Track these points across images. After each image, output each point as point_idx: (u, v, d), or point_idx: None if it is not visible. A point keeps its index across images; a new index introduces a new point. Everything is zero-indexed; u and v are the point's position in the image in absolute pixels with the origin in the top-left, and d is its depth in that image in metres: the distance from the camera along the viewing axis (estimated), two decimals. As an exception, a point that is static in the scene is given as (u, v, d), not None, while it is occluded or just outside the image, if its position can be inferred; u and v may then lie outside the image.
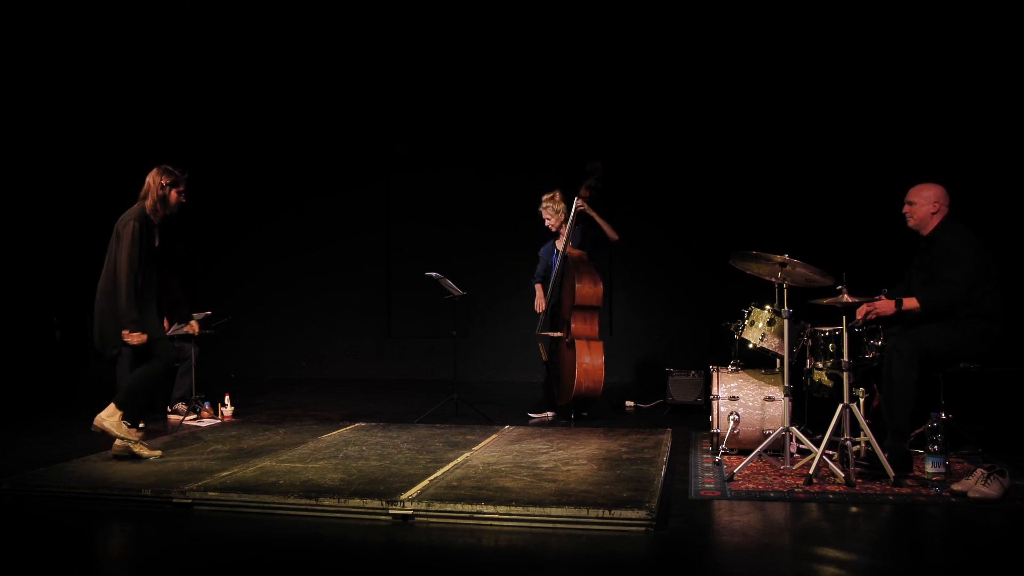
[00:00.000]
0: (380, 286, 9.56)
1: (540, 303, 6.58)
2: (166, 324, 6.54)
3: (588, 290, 6.13)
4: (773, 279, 4.53)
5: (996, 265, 4.49)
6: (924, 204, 4.57)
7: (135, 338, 4.61)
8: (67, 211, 8.77)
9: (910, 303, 4.43)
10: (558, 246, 6.43)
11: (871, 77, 7.78)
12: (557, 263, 6.36)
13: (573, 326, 6.17)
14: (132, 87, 9.00)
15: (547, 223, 6.41)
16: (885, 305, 4.43)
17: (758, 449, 4.45)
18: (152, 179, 4.76)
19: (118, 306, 4.62)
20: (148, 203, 4.74)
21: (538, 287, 6.63)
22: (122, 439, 4.66)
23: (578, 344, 6.09)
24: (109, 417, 4.66)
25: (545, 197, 6.38)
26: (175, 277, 5.09)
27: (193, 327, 5.32)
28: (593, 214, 6.24)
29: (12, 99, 8.27)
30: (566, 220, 6.29)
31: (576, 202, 6.21)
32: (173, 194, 4.79)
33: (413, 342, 9.42)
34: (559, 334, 6.32)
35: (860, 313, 4.44)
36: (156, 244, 4.82)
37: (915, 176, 4.73)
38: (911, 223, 4.65)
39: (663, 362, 7.73)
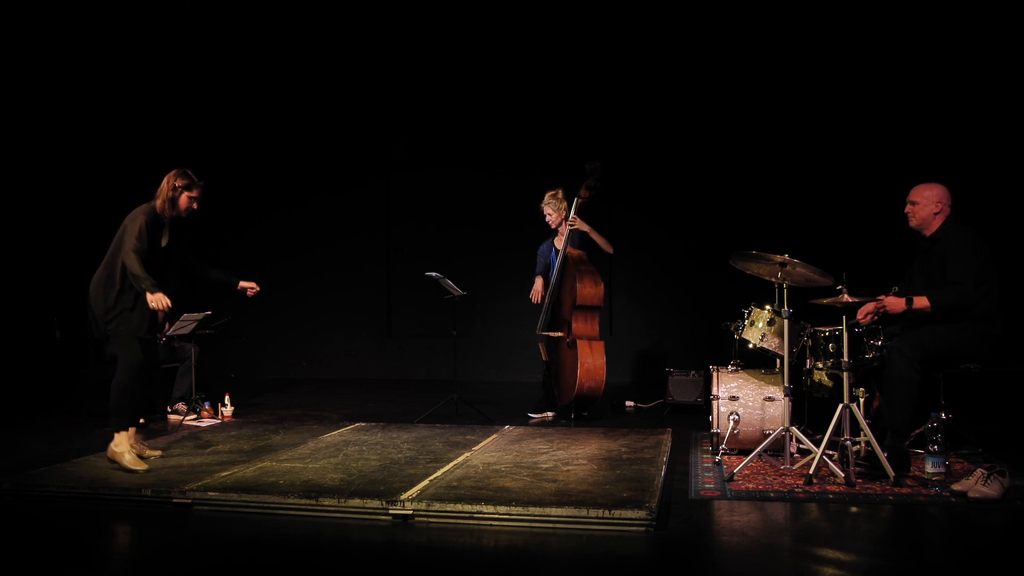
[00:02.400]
0: (380, 286, 9.56)
1: (537, 291, 6.54)
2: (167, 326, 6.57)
3: (589, 290, 6.12)
4: (773, 279, 4.53)
5: (993, 265, 4.49)
6: (926, 204, 4.56)
7: (159, 300, 4.49)
8: (67, 211, 8.77)
9: (920, 302, 4.40)
10: (557, 245, 6.42)
11: (871, 77, 7.79)
12: (557, 263, 6.35)
13: (574, 326, 6.16)
14: (133, 87, 9.01)
15: (547, 219, 6.40)
16: (895, 303, 4.41)
17: (758, 449, 4.45)
18: (167, 179, 4.75)
19: (135, 286, 4.55)
20: (158, 202, 4.73)
21: (538, 279, 6.58)
22: (130, 470, 4.47)
23: (580, 344, 6.08)
24: (116, 447, 4.57)
25: (548, 194, 6.37)
26: (207, 269, 5.08)
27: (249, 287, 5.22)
28: (587, 228, 6.21)
29: (13, 100, 8.27)
30: (566, 219, 6.28)
31: (575, 201, 6.21)
32: (184, 197, 4.76)
33: (413, 342, 9.42)
34: (560, 334, 6.31)
35: (864, 311, 4.44)
36: (164, 244, 4.78)
37: (915, 176, 4.73)
38: (913, 223, 4.63)
39: (663, 362, 7.74)
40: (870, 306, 4.45)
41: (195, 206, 4.84)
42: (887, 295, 4.56)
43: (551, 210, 6.35)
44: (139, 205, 4.76)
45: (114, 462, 4.56)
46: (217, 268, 5.16)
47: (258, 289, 5.21)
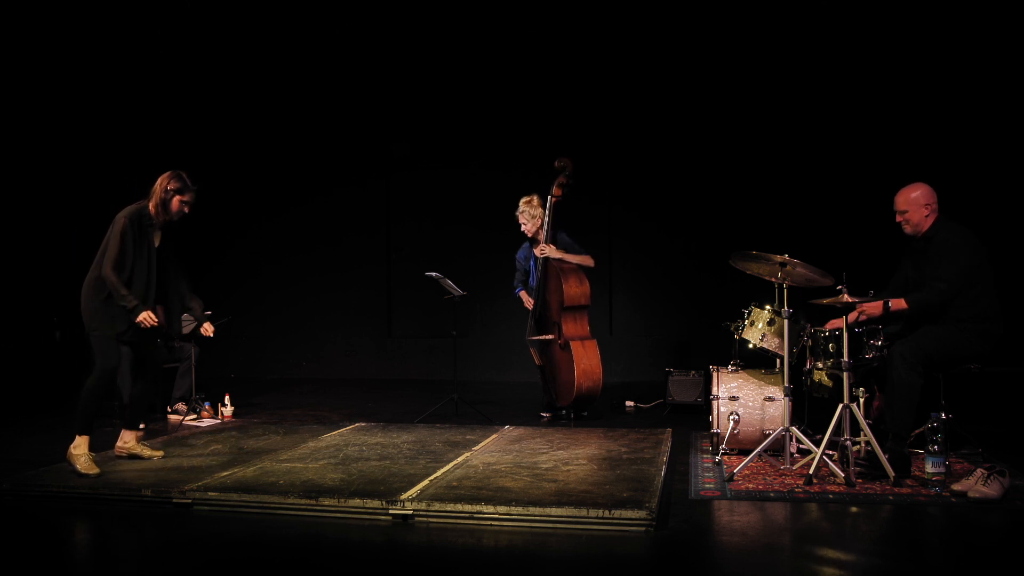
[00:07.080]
0: (380, 286, 9.56)
1: (529, 303, 6.41)
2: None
3: (575, 290, 6.05)
4: (773, 279, 4.53)
5: (991, 264, 4.49)
6: (916, 208, 4.55)
7: (147, 319, 4.50)
8: (67, 212, 8.76)
9: (897, 304, 4.45)
10: (536, 252, 6.23)
11: (870, 77, 7.79)
12: (538, 267, 6.22)
13: (564, 328, 6.10)
14: (133, 88, 9.00)
15: (523, 228, 6.21)
16: (873, 307, 4.45)
17: (758, 449, 4.45)
18: (160, 181, 4.69)
19: (116, 302, 4.52)
20: (151, 203, 4.69)
21: (523, 294, 6.46)
22: (82, 474, 4.37)
23: (573, 345, 6.05)
24: (75, 448, 4.48)
25: (523, 200, 6.19)
26: (183, 279, 4.94)
27: (207, 329, 5.05)
28: (559, 255, 6.05)
29: (13, 100, 8.26)
30: (543, 225, 6.13)
31: (549, 201, 6.06)
32: (175, 201, 4.69)
33: (413, 342, 9.42)
34: (551, 336, 6.22)
35: (851, 318, 4.44)
36: (157, 245, 4.72)
37: (915, 175, 4.72)
38: (908, 230, 4.61)
39: (663, 362, 7.73)
40: (852, 316, 4.45)
41: (187, 210, 4.76)
42: (880, 293, 4.58)
43: (526, 218, 6.16)
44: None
45: (71, 464, 4.44)
46: (194, 300, 5.02)
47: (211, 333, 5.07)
